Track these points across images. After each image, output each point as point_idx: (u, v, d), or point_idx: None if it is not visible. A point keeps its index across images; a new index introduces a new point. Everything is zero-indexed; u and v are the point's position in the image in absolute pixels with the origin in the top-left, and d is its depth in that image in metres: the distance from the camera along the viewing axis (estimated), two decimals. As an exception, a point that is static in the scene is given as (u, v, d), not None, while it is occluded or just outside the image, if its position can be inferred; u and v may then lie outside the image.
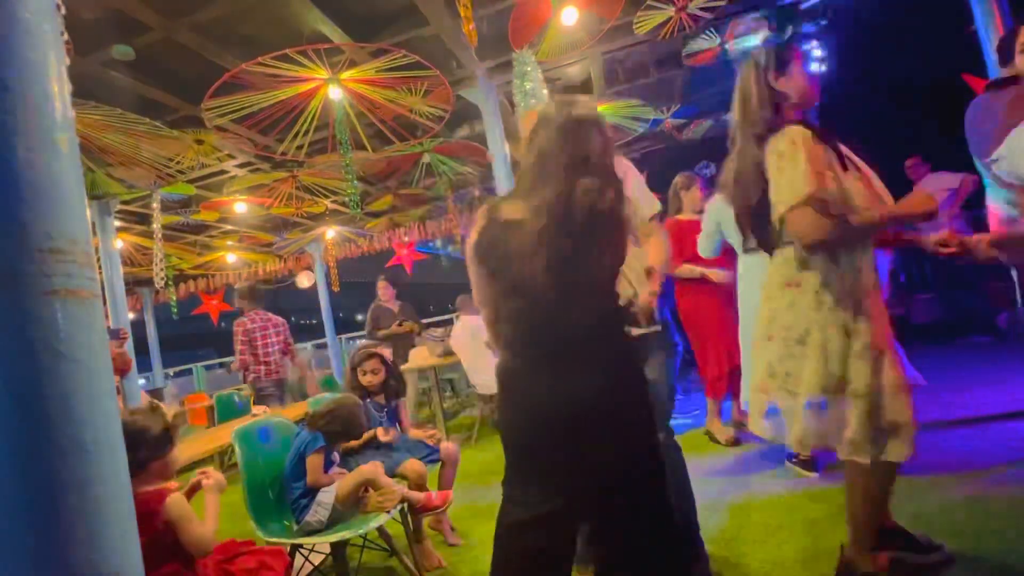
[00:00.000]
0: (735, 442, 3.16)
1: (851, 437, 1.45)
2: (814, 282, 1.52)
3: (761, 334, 1.64)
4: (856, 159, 1.61)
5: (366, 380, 2.62)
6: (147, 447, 1.49)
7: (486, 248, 1.33)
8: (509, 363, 1.35)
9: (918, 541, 1.66)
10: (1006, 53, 1.82)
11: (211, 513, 1.56)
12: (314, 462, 2.06)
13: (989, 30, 3.48)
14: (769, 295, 1.64)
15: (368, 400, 2.62)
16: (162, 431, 1.53)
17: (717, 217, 2.84)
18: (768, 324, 1.62)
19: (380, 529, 2.07)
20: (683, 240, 3.25)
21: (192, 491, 1.65)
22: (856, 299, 1.49)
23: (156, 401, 1.58)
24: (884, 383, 1.45)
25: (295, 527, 2.04)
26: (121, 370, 3.65)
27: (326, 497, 2.02)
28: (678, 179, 3.53)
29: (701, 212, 3.38)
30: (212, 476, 1.63)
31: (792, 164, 1.48)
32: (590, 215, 1.23)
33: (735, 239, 2.68)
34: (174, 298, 5.37)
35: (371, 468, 2.14)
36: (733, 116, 1.71)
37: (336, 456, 2.27)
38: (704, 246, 3.05)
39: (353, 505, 2.08)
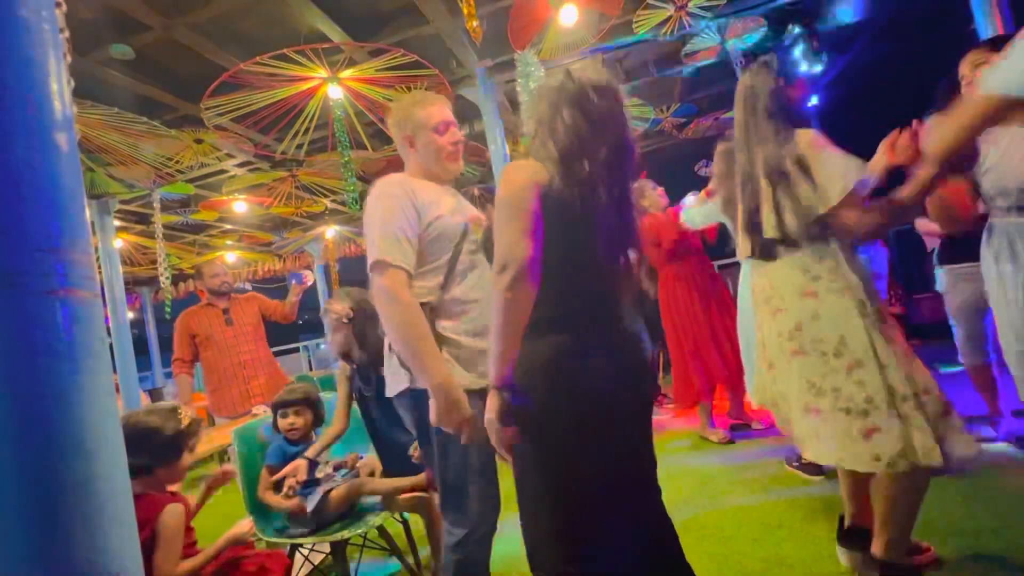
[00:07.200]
0: (729, 441, 3.17)
1: (923, 443, 1.39)
2: (835, 288, 1.51)
3: (788, 348, 1.58)
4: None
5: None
6: (156, 449, 1.44)
7: (555, 203, 1.08)
8: (572, 348, 1.10)
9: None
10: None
11: (193, 516, 1.55)
12: (262, 475, 2.01)
13: (989, 30, 3.48)
14: (786, 305, 1.59)
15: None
16: (175, 433, 1.47)
17: (719, 218, 2.60)
18: (793, 336, 1.57)
19: (380, 529, 2.07)
20: (663, 231, 3.27)
21: (209, 491, 1.67)
22: (876, 304, 1.50)
23: (178, 404, 1.52)
24: (922, 383, 1.46)
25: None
26: (288, 316, 3.56)
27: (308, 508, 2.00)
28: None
29: (666, 208, 3.39)
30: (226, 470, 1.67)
31: (830, 160, 1.50)
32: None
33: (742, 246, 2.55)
34: (169, 298, 5.33)
35: (356, 483, 2.08)
36: (739, 119, 1.68)
37: (327, 455, 2.20)
38: (696, 216, 2.67)
39: (346, 509, 2.07)
